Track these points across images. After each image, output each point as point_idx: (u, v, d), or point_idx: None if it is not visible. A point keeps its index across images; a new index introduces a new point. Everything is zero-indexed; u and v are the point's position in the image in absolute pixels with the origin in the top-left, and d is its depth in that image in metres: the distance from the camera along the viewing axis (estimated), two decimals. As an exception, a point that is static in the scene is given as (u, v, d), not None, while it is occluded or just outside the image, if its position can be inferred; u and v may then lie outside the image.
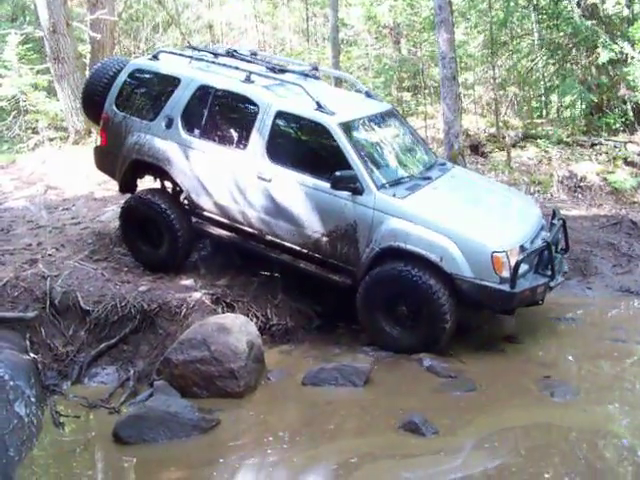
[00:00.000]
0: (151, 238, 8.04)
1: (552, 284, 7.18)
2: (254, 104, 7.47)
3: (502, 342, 7.26)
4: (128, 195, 8.35)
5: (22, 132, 15.70)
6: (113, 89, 8.15)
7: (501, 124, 14.65)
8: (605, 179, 12.08)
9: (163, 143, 7.81)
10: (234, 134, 7.73)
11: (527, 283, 6.88)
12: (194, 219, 7.96)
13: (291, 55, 18.10)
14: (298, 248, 7.37)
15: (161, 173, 8.10)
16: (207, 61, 8.09)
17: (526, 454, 5.31)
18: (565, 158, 12.83)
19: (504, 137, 13.74)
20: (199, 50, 8.56)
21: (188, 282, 7.71)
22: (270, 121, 7.34)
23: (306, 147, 7.74)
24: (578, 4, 14.25)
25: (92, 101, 8.44)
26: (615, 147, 13.16)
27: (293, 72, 8.15)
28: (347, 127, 7.24)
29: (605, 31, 13.69)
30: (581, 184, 12.07)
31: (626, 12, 14.08)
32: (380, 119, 7.99)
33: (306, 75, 8.14)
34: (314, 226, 7.21)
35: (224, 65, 7.97)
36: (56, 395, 6.34)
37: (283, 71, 8.04)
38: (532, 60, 16.37)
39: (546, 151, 13.16)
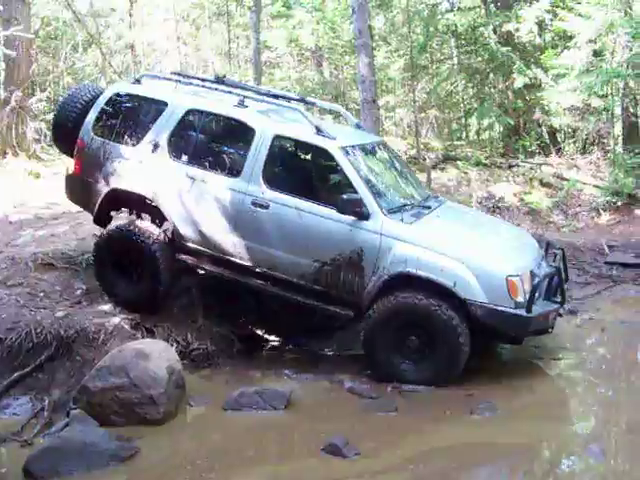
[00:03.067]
0: (129, 274, 7.46)
1: (561, 311, 7.20)
2: (249, 128, 7.14)
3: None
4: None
5: None
6: (90, 115, 7.70)
7: (422, 146, 14.96)
8: (522, 200, 12.47)
9: (147, 169, 7.35)
10: (226, 160, 7.47)
11: (539, 309, 6.72)
12: (178, 253, 7.40)
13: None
14: (295, 280, 6.95)
15: (140, 204, 7.51)
16: (195, 85, 7.78)
17: (450, 474, 5.33)
18: (484, 179, 13.20)
19: (424, 159, 14.03)
20: (185, 76, 8.21)
21: (107, 307, 7.51)
22: (267, 146, 7.03)
23: (306, 172, 7.62)
24: (494, 31, 14.79)
25: (64, 129, 7.96)
26: (531, 169, 13.63)
27: (285, 97, 8.03)
28: (348, 152, 7.00)
29: (520, 57, 14.25)
30: (499, 204, 12.41)
31: (538, 40, 14.72)
32: (375, 149, 7.86)
33: (301, 101, 8.07)
34: (315, 254, 6.81)
35: (214, 89, 7.64)
36: (-39, 430, 6.04)
37: (277, 96, 7.88)
38: (452, 84, 16.85)
39: (465, 172, 13.52)
